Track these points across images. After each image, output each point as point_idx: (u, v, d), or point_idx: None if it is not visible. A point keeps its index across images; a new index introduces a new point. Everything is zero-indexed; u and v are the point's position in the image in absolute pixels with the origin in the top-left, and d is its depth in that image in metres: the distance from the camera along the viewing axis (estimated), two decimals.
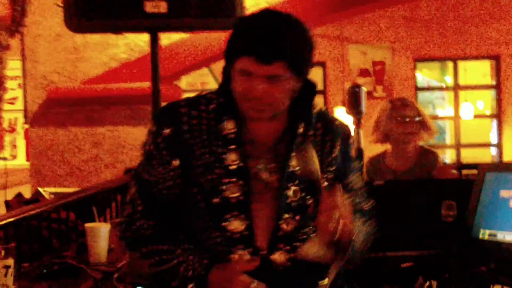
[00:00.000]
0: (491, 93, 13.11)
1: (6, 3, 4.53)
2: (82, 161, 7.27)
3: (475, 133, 13.04)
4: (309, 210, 2.20)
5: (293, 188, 2.23)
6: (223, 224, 2.19)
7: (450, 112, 13.15)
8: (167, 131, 2.23)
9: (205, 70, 10.17)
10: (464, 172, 6.19)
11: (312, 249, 2.20)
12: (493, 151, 13.11)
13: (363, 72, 12.31)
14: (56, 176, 7.31)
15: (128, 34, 6.39)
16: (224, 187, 2.19)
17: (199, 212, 2.22)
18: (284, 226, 2.22)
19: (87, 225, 3.80)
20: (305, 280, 2.25)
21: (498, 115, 12.65)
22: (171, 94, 6.09)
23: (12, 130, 9.89)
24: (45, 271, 3.59)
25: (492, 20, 12.24)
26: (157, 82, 3.89)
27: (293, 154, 2.24)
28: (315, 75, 12.31)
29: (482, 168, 3.49)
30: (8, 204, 5.29)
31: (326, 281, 2.27)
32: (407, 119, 4.60)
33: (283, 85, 2.14)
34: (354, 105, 3.71)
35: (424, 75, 13.71)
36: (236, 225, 2.19)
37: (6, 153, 9.53)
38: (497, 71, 12.51)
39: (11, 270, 2.75)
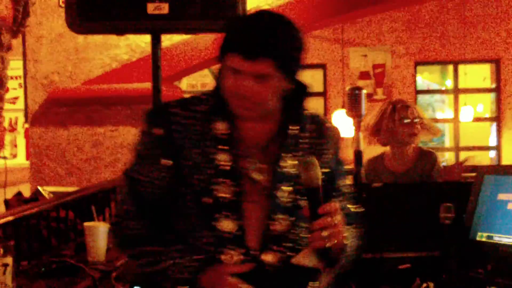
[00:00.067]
0: (491, 97, 13.12)
1: (8, 4, 4.54)
2: (82, 160, 7.28)
3: (474, 136, 13.05)
4: (302, 211, 2.18)
5: (284, 189, 2.23)
6: (214, 224, 2.19)
7: (450, 115, 13.16)
8: (158, 131, 2.23)
9: (206, 71, 10.17)
10: (463, 174, 6.21)
11: (305, 258, 2.20)
12: (492, 154, 13.12)
13: (364, 75, 12.32)
14: (56, 175, 7.31)
15: (130, 35, 6.40)
16: (215, 187, 2.19)
17: (190, 212, 2.22)
18: (275, 226, 2.22)
19: (86, 224, 3.81)
20: (296, 281, 2.25)
21: (497, 118, 12.66)
22: (172, 95, 6.10)
23: (13, 129, 9.90)
24: (43, 269, 3.60)
25: (493, 23, 12.25)
26: (158, 83, 3.89)
27: (284, 155, 2.24)
28: (316, 77, 12.33)
29: (480, 170, 3.50)
30: (7, 202, 5.29)
31: (317, 283, 2.28)
32: (409, 121, 4.62)
33: (272, 85, 2.14)
34: (354, 108, 3.72)
35: (424, 78, 13.72)
36: (227, 225, 2.19)
37: (7, 152, 9.53)
38: (497, 75, 12.52)
39: (9, 268, 2.76)
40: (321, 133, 2.34)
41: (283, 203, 2.23)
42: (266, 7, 6.72)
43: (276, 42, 2.11)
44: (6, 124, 9.62)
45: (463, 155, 12.67)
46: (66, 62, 7.33)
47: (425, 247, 3.46)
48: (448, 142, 13.55)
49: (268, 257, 2.22)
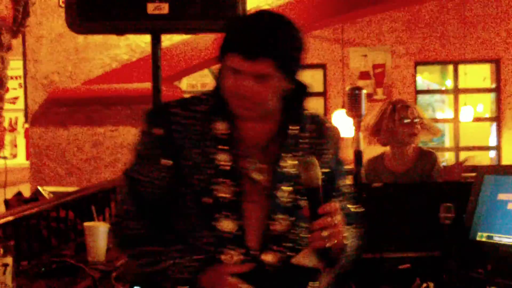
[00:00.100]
0: (491, 97, 13.13)
1: (8, 4, 4.54)
2: (82, 160, 7.28)
3: (475, 136, 13.06)
4: (302, 211, 2.17)
5: (284, 189, 2.23)
6: (214, 224, 2.19)
7: (450, 115, 13.17)
8: (158, 131, 2.23)
9: (206, 71, 10.18)
10: (463, 174, 6.21)
11: (305, 258, 2.20)
12: (492, 154, 13.13)
13: (364, 75, 12.32)
14: (56, 175, 7.31)
15: (130, 35, 6.40)
16: (215, 187, 2.19)
17: (190, 212, 2.22)
18: (275, 226, 2.22)
19: (86, 224, 3.81)
20: (296, 281, 2.25)
21: (497, 118, 12.66)
22: (172, 95, 6.10)
23: (13, 129, 9.90)
24: (43, 269, 3.60)
25: (493, 24, 12.25)
26: (158, 83, 3.89)
27: (285, 155, 2.24)
28: (316, 77, 12.33)
29: (480, 170, 3.50)
30: (7, 202, 5.29)
31: (317, 283, 2.28)
32: (409, 121, 4.62)
33: (272, 85, 2.14)
34: (354, 108, 3.72)
35: (424, 78, 13.72)
36: (227, 225, 2.19)
37: (7, 152, 9.53)
38: (497, 75, 12.52)
39: (9, 269, 2.76)
40: (321, 133, 2.34)
41: (283, 203, 2.23)
42: (266, 7, 6.72)
43: (276, 42, 2.11)
44: (6, 124, 9.62)
45: (463, 155, 12.67)
46: (66, 62, 7.33)
47: (425, 247, 3.46)
48: (448, 142, 13.55)
49: (268, 257, 2.22)
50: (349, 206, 2.37)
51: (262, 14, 2.20)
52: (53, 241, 4.19)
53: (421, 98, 13.21)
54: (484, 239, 3.26)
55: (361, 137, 3.72)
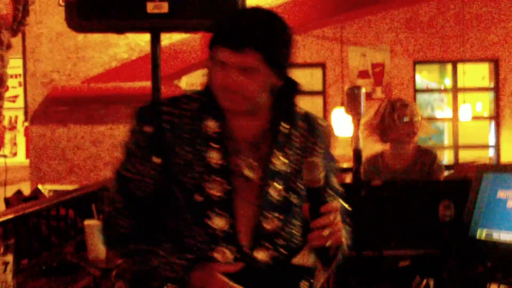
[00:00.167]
0: (490, 95, 13.15)
1: (8, 2, 4.54)
2: (81, 159, 7.28)
3: (473, 135, 13.08)
4: (301, 210, 2.16)
5: (276, 186, 2.22)
6: (206, 222, 2.17)
7: (449, 113, 13.19)
8: (148, 129, 2.22)
9: (205, 70, 10.17)
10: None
11: (304, 257, 2.20)
12: (491, 152, 13.14)
13: (363, 74, 12.34)
14: (56, 173, 7.32)
15: (129, 34, 6.40)
16: (206, 185, 2.17)
17: (181, 210, 2.20)
18: (267, 224, 2.21)
19: (86, 222, 3.81)
20: (287, 279, 2.25)
21: (496, 117, 12.69)
22: (171, 94, 6.10)
23: (13, 127, 9.91)
24: (44, 267, 3.61)
25: (491, 23, 12.27)
26: (157, 82, 3.89)
27: (276, 152, 2.24)
28: (315, 76, 12.35)
29: (480, 168, 3.51)
30: (7, 201, 5.30)
31: (307, 283, 2.28)
32: (408, 119, 4.63)
33: (258, 79, 2.13)
34: (353, 106, 3.72)
35: (423, 77, 13.73)
36: (219, 222, 2.17)
37: (6, 150, 9.53)
38: (496, 74, 12.54)
39: (10, 267, 2.76)
40: (312, 131, 2.33)
41: (275, 201, 2.22)
42: (265, 6, 6.74)
43: (262, 33, 2.10)
44: (6, 122, 9.62)
45: (462, 153, 12.69)
46: (66, 61, 7.34)
47: (424, 244, 3.47)
48: (447, 140, 13.57)
49: (260, 255, 2.21)
50: (339, 201, 2.36)
51: (249, 9, 2.22)
52: (53, 239, 4.20)
53: (420, 97, 13.22)
54: (483, 237, 3.27)
55: (360, 136, 3.72)
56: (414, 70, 12.53)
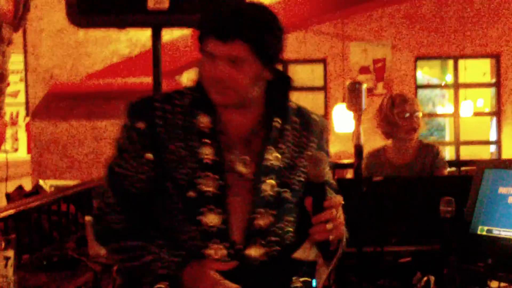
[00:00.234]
0: (491, 91, 13.14)
1: None
2: (82, 154, 7.29)
3: (475, 131, 13.08)
4: (304, 205, 2.14)
5: (269, 182, 2.22)
6: (199, 218, 2.17)
7: (450, 109, 13.18)
8: (141, 125, 2.21)
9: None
10: (463, 168, 6.23)
11: (306, 252, 2.20)
12: (492, 148, 13.15)
13: (364, 70, 12.33)
14: (57, 169, 7.33)
15: (130, 29, 6.41)
16: (199, 181, 2.16)
17: (174, 206, 2.19)
18: (259, 220, 2.20)
19: (87, 217, 3.82)
20: (280, 275, 2.25)
21: (497, 113, 12.68)
22: (173, 89, 6.10)
23: (14, 123, 9.91)
24: (45, 263, 3.61)
25: (493, 18, 12.26)
26: (158, 77, 3.89)
27: (269, 147, 2.23)
28: (316, 71, 12.35)
29: (481, 164, 3.51)
30: (9, 196, 5.31)
31: (300, 279, 2.29)
32: (408, 115, 4.63)
33: (247, 70, 2.13)
34: (354, 102, 3.71)
35: (425, 73, 13.73)
36: (212, 219, 2.17)
37: (8, 146, 9.54)
38: (497, 70, 12.53)
39: (11, 262, 2.76)
40: (306, 126, 2.32)
41: (268, 197, 2.21)
42: (266, 2, 6.73)
43: (250, 24, 2.10)
44: (7, 118, 9.62)
45: (463, 149, 12.69)
46: (67, 56, 7.35)
47: (425, 240, 3.47)
48: (448, 136, 13.57)
49: (252, 252, 2.20)
50: (333, 195, 2.35)
51: (238, 1, 2.21)
52: (55, 235, 4.20)
53: (421, 92, 13.23)
54: (484, 233, 3.27)
55: (362, 131, 3.71)
56: (415, 65, 12.51)
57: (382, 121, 4.72)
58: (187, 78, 11.96)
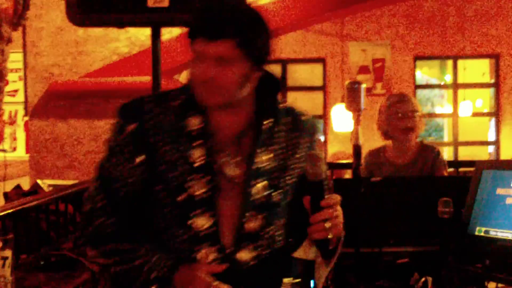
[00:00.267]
0: (490, 92, 13.15)
1: None
2: (81, 154, 7.28)
3: (473, 131, 13.09)
4: (303, 203, 2.13)
5: (258, 185, 2.21)
6: (189, 221, 2.16)
7: (449, 109, 13.19)
8: (131, 127, 2.19)
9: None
10: (461, 169, 6.23)
11: (305, 251, 2.20)
12: (491, 149, 13.15)
13: (363, 69, 12.33)
14: (55, 168, 7.32)
15: (130, 28, 6.40)
16: (189, 184, 2.15)
17: (164, 210, 2.18)
18: (249, 224, 2.19)
19: None
20: (270, 278, 2.24)
21: (496, 114, 12.68)
22: (171, 88, 6.10)
23: (13, 122, 9.90)
24: (42, 262, 3.61)
25: (492, 19, 12.26)
26: (158, 76, 3.89)
27: (259, 149, 2.22)
28: (315, 71, 12.35)
29: (479, 165, 3.51)
30: (7, 196, 5.31)
31: (290, 279, 2.29)
32: (400, 115, 4.63)
33: (235, 70, 2.11)
34: (353, 102, 3.72)
35: (424, 73, 13.74)
36: (202, 222, 2.16)
37: (6, 145, 9.54)
38: (496, 70, 12.53)
39: (8, 262, 2.76)
40: (296, 126, 2.30)
41: (258, 200, 2.21)
42: (265, 1, 6.73)
43: (237, 23, 2.09)
44: (5, 117, 9.62)
45: (461, 150, 12.70)
46: (66, 55, 7.34)
47: (423, 241, 3.47)
48: (447, 137, 13.57)
49: (242, 255, 2.20)
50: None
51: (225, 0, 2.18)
52: (52, 235, 4.20)
53: (420, 92, 13.23)
54: (482, 234, 3.27)
55: (360, 131, 3.71)
56: (414, 65, 12.52)
57: (379, 122, 4.73)
58: (187, 77, 11.97)
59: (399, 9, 12.16)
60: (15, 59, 7.26)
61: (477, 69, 13.44)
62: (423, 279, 3.26)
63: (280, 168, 2.25)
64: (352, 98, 3.60)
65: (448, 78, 13.42)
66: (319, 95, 12.42)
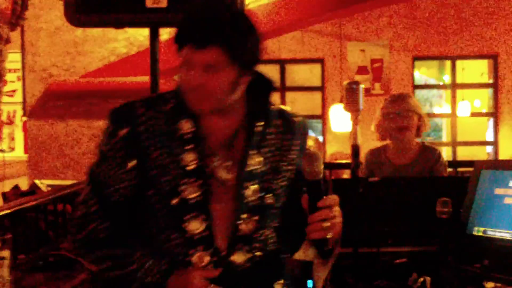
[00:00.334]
0: (488, 92, 13.15)
1: None
2: (79, 154, 7.28)
3: (472, 131, 13.09)
4: (301, 203, 2.13)
5: (251, 187, 2.20)
6: (182, 225, 2.15)
7: (447, 110, 13.19)
8: (123, 131, 2.17)
9: None
10: (460, 169, 6.23)
11: (305, 252, 2.20)
12: (489, 149, 13.15)
13: (362, 70, 12.33)
14: (54, 168, 7.32)
15: (128, 28, 6.40)
16: (182, 187, 2.14)
17: (158, 214, 2.17)
18: (243, 226, 2.19)
19: None
20: (263, 280, 2.24)
21: (494, 114, 12.69)
22: (170, 89, 6.10)
23: (11, 122, 9.90)
24: (40, 263, 3.61)
25: (491, 19, 12.27)
26: (156, 76, 3.88)
27: (251, 152, 2.21)
28: (314, 71, 12.35)
29: (477, 165, 3.51)
30: (5, 196, 5.30)
31: (282, 281, 2.29)
32: (392, 116, 4.63)
33: (223, 76, 2.09)
34: (351, 102, 3.72)
35: (422, 73, 13.74)
36: (195, 225, 2.15)
37: (4, 145, 9.53)
38: (495, 70, 12.54)
39: (6, 262, 2.76)
40: (288, 128, 2.29)
41: (251, 203, 2.20)
42: (264, 1, 6.73)
43: (224, 30, 2.06)
44: (4, 117, 9.62)
45: (460, 150, 12.70)
46: (65, 55, 7.34)
47: (422, 241, 3.47)
48: (445, 137, 13.57)
49: (236, 258, 2.19)
50: None
51: (210, 3, 2.16)
52: (51, 235, 4.19)
53: (419, 93, 13.23)
54: (480, 234, 3.27)
55: (359, 132, 3.72)
56: (413, 66, 12.52)
57: (376, 122, 4.74)
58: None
59: (398, 10, 12.17)
60: (13, 59, 7.27)
61: (475, 70, 13.43)
62: (421, 279, 3.26)
63: (272, 171, 2.24)
64: (350, 98, 3.60)
65: (447, 79, 13.42)
66: (317, 95, 12.42)
